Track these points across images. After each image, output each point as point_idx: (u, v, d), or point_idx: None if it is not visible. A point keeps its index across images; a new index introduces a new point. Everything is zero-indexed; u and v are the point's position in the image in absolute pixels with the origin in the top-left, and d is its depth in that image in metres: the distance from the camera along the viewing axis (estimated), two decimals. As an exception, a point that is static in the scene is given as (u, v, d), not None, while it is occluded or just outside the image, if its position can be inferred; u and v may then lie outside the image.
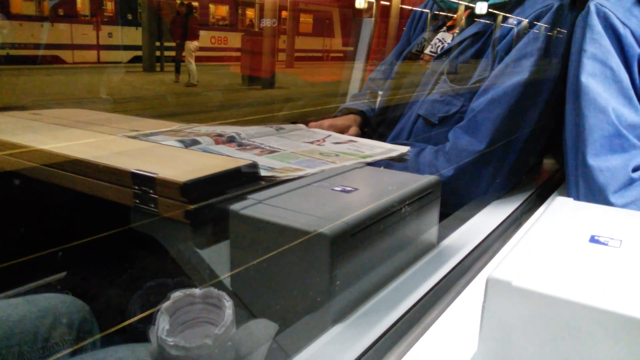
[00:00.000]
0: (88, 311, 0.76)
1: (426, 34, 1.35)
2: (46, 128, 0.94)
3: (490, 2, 1.17)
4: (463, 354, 0.54)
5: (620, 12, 0.96)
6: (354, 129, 1.22)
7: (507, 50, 1.10)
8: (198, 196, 0.63)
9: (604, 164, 0.90)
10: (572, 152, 0.98)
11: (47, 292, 0.78)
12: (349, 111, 1.33)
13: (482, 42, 1.16)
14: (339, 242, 0.56)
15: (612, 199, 0.88)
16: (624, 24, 0.95)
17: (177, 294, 0.48)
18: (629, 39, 0.95)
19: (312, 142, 0.97)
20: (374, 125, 1.32)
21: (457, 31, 1.26)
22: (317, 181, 0.74)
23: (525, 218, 1.00)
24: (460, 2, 1.26)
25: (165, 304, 0.47)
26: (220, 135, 0.90)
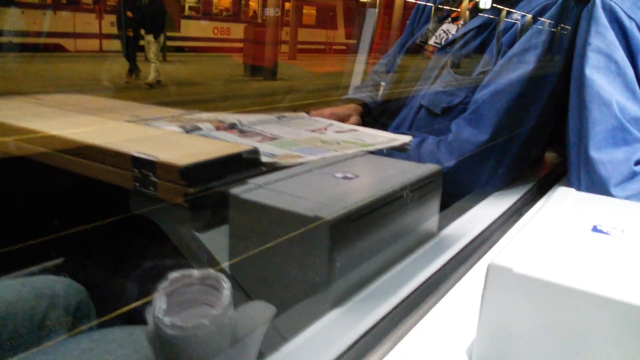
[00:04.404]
0: (85, 293, 0.76)
1: (430, 25, 1.34)
2: (47, 113, 0.94)
3: None
4: (462, 340, 0.54)
5: (626, 5, 0.96)
6: (354, 118, 1.21)
7: (512, 43, 1.10)
8: (198, 180, 0.63)
9: (607, 157, 0.90)
10: (575, 144, 0.97)
11: (45, 275, 0.78)
12: (350, 102, 1.33)
13: (487, 34, 1.16)
14: (338, 227, 0.56)
15: (614, 191, 0.87)
16: (629, 17, 0.95)
17: (174, 275, 0.47)
18: (635, 33, 0.94)
19: (313, 130, 0.97)
20: (375, 115, 1.32)
21: (461, 22, 1.25)
22: (319, 168, 0.74)
23: (527, 209, 1.00)
24: (465, -7, 1.25)
25: (163, 285, 0.47)
26: (221, 121, 0.90)
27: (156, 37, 4.44)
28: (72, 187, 0.87)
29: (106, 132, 0.82)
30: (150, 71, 4.23)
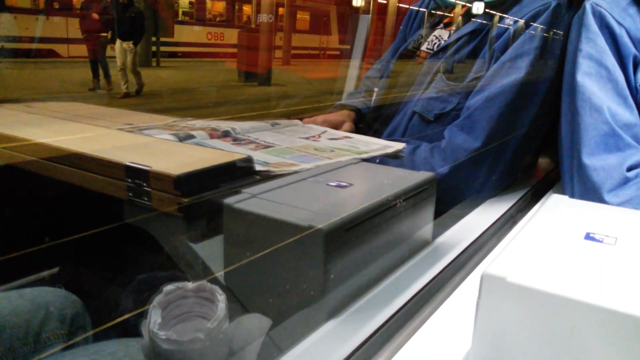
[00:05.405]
0: (81, 305, 0.75)
1: (423, 31, 1.34)
2: (40, 121, 0.93)
3: (487, 0, 1.16)
4: (457, 350, 0.54)
5: (616, 12, 0.96)
6: (347, 125, 1.22)
7: (504, 49, 1.10)
8: (192, 190, 0.63)
9: (599, 163, 0.90)
10: (568, 151, 0.98)
11: (40, 286, 0.77)
12: (344, 108, 1.33)
13: (479, 40, 1.16)
14: (333, 237, 0.56)
15: (607, 198, 0.88)
16: (619, 23, 0.95)
17: (169, 288, 0.47)
18: (625, 39, 0.95)
19: (307, 138, 0.97)
20: (369, 122, 1.32)
21: (454, 28, 1.26)
22: (312, 176, 0.74)
23: (520, 216, 1.00)
24: (457, 0, 1.26)
25: (158, 298, 0.47)
26: (215, 129, 0.90)
27: (136, 44, 3.99)
28: (65, 197, 0.86)
29: (98, 140, 0.81)
30: (134, 81, 3.87)
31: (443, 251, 0.78)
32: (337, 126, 1.18)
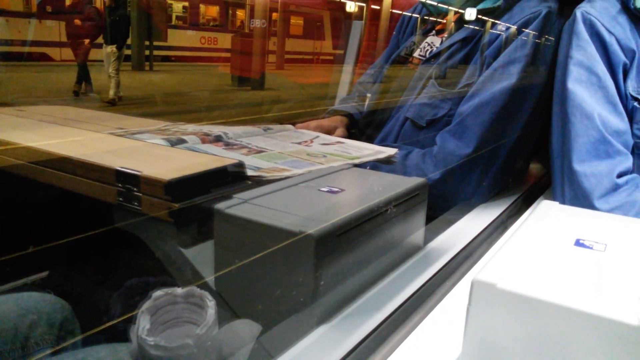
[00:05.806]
0: (70, 310, 0.74)
1: (415, 38, 1.35)
2: (31, 125, 0.93)
3: (479, 7, 1.17)
4: (447, 356, 0.54)
5: (606, 20, 0.97)
6: (340, 130, 1.22)
7: (495, 56, 1.11)
8: (183, 195, 0.62)
9: (590, 169, 0.91)
10: (558, 157, 0.99)
11: (29, 291, 0.76)
12: (336, 113, 1.33)
13: (471, 46, 1.17)
14: (324, 242, 0.56)
15: (597, 204, 0.89)
16: (609, 31, 0.96)
17: (158, 293, 0.47)
18: (615, 47, 0.96)
19: (299, 143, 0.97)
20: (361, 127, 1.32)
21: (445, 35, 1.27)
22: (304, 181, 0.74)
23: (511, 222, 1.01)
24: (449, 7, 1.26)
25: (147, 303, 0.46)
26: (207, 134, 0.90)
27: (119, 48, 3.87)
28: (55, 201, 0.86)
29: (89, 144, 0.81)
30: (111, 86, 3.66)
31: (434, 257, 0.78)
32: (329, 131, 1.18)
